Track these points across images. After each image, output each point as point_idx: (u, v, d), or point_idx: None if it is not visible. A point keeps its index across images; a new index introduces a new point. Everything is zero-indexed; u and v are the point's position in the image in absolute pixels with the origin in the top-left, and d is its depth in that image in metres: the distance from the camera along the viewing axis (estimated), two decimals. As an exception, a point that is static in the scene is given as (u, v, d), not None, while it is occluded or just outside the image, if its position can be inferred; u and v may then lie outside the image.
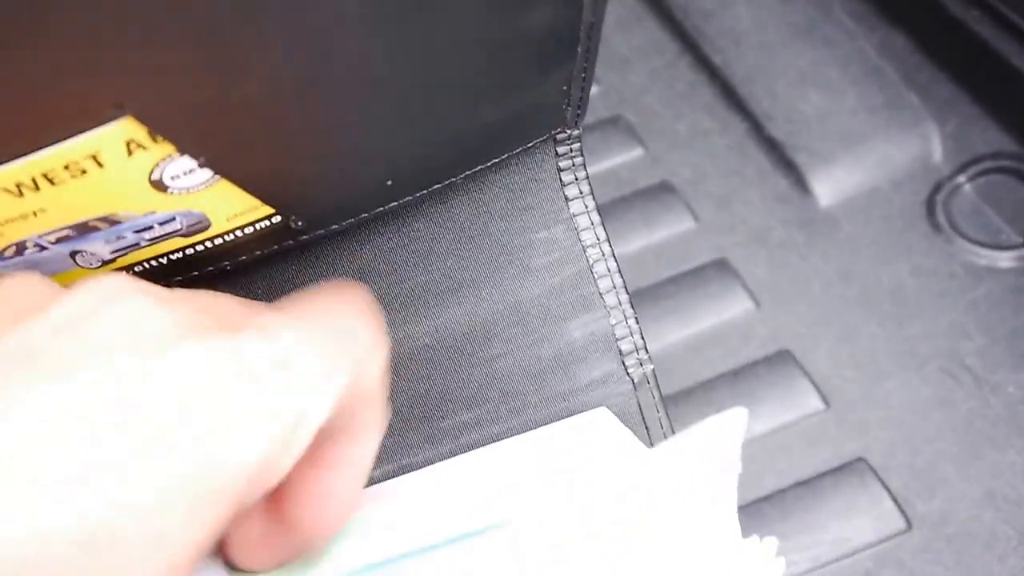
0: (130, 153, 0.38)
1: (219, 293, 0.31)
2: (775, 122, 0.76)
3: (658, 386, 0.46)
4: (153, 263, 0.45)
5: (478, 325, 0.47)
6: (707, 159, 0.76)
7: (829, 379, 0.64)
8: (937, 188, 0.72)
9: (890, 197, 0.72)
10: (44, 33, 0.30)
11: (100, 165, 0.37)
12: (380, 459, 0.43)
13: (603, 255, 0.46)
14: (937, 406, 0.62)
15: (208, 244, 0.46)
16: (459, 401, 0.46)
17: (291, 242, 0.44)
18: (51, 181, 0.37)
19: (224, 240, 0.46)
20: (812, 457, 0.61)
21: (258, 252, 0.45)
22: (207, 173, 0.42)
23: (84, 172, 0.38)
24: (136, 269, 0.44)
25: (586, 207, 0.47)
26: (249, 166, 0.43)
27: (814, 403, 0.63)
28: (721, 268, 0.69)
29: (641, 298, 0.68)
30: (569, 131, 0.47)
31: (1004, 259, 0.67)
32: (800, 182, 0.74)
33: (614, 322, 0.47)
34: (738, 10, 0.84)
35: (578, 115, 0.46)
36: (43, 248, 0.40)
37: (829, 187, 0.73)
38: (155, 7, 0.31)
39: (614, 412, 0.46)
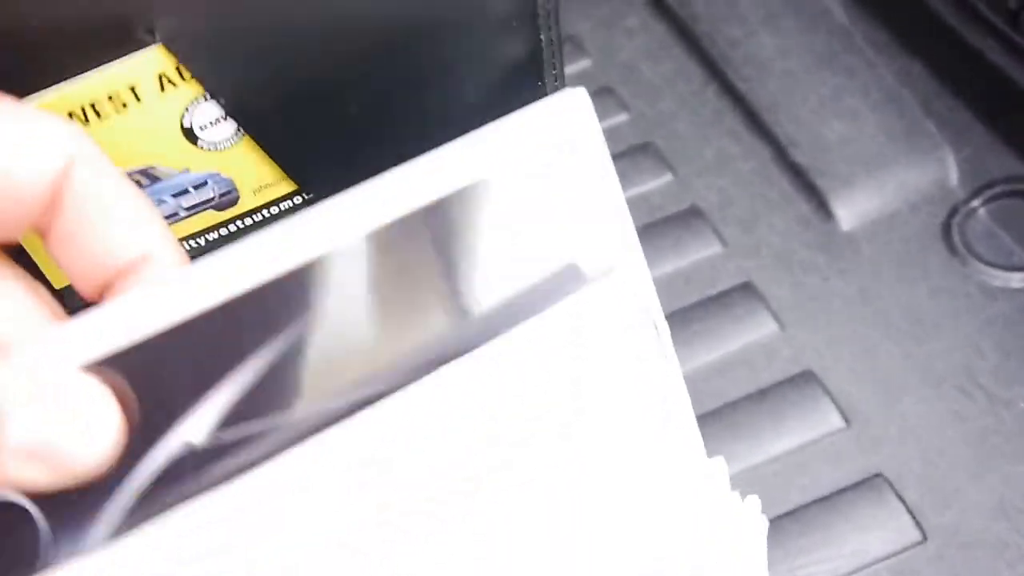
0: (163, 89, 0.42)
1: None
2: (799, 147, 0.79)
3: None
4: (192, 243, 0.48)
5: None
6: (733, 183, 0.78)
7: (849, 397, 0.66)
8: (953, 212, 0.74)
9: (908, 220, 0.74)
10: None
11: (138, 100, 0.41)
12: None
13: None
14: (952, 421, 0.64)
15: (239, 224, 0.49)
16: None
17: None
18: (97, 113, 0.41)
19: (253, 220, 0.49)
20: (832, 473, 0.63)
21: None
22: (230, 127, 0.45)
23: (125, 106, 0.41)
24: None
25: None
26: (265, 118, 0.45)
27: (835, 421, 0.65)
28: (746, 291, 0.72)
29: (671, 322, 0.70)
30: None
31: (1016, 280, 0.69)
32: (822, 206, 0.76)
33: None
34: (763, 39, 0.86)
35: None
36: None
37: (850, 211, 0.75)
38: None
39: None
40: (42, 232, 0.32)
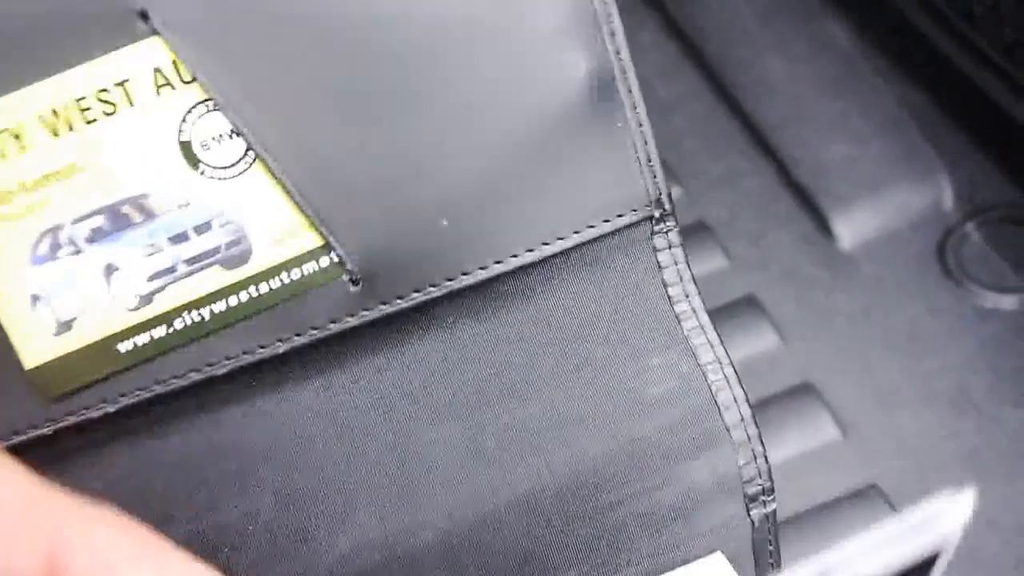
0: (158, 91, 0.34)
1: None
2: (801, 167, 0.77)
3: (775, 523, 0.40)
4: (194, 316, 0.38)
5: (587, 469, 0.39)
6: (740, 200, 0.77)
7: (847, 410, 0.64)
8: (948, 234, 0.72)
9: (906, 241, 0.73)
10: None
11: (131, 103, 0.34)
12: None
13: (727, 380, 0.40)
14: (946, 437, 0.63)
15: (252, 291, 0.38)
16: (565, 560, 0.39)
17: (351, 318, 0.37)
18: (85, 116, 0.34)
19: (270, 287, 0.38)
20: (828, 483, 0.62)
21: (314, 329, 0.37)
22: (240, 147, 0.36)
23: (115, 110, 0.34)
24: (176, 325, 0.37)
25: (699, 322, 0.40)
26: (284, 135, 0.36)
27: (832, 433, 0.63)
28: (751, 304, 0.70)
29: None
30: (659, 220, 0.41)
31: (1008, 302, 0.68)
32: (824, 224, 0.74)
33: (742, 462, 0.39)
34: (771, 62, 0.84)
35: (659, 192, 0.40)
36: (77, 250, 0.35)
37: (850, 230, 0.74)
38: None
39: (726, 553, 0.39)
40: None
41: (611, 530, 0.38)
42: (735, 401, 0.40)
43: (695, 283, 0.40)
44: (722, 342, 0.39)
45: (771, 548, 0.40)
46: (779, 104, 0.81)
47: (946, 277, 0.70)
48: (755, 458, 0.39)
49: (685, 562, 0.38)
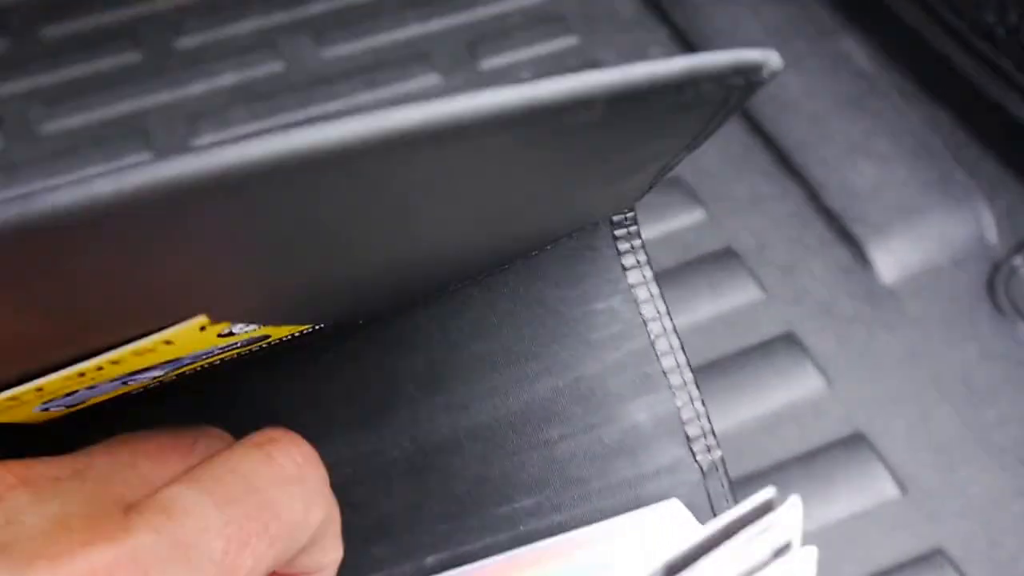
0: (202, 330, 0.34)
1: (129, 440, 0.28)
2: (829, 191, 0.71)
3: (727, 474, 0.41)
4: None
5: (537, 403, 0.42)
6: (769, 225, 0.71)
7: (904, 464, 0.58)
8: (996, 269, 0.67)
9: (951, 275, 0.67)
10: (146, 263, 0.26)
11: (170, 344, 0.32)
12: (435, 546, 0.40)
13: (664, 330, 0.41)
14: (1015, 496, 0.57)
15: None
16: (519, 486, 0.42)
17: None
18: (116, 363, 0.33)
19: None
20: (889, 546, 0.55)
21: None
22: None
23: (152, 351, 0.33)
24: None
25: (644, 277, 0.42)
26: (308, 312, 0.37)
27: (890, 489, 0.57)
28: (789, 342, 0.64)
29: (709, 372, 0.62)
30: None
31: (1068, 344, 0.62)
32: (860, 254, 0.68)
33: (680, 404, 0.41)
34: (787, 78, 0.78)
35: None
36: (93, 386, 0.35)
37: (890, 261, 0.68)
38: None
39: (682, 502, 0.41)
40: None
41: (560, 463, 0.41)
42: (671, 349, 0.41)
43: (646, 252, 0.41)
44: (663, 298, 0.40)
45: (728, 505, 0.41)
46: (799, 122, 0.76)
47: (999, 316, 0.64)
48: (692, 401, 0.40)
49: (638, 504, 0.41)
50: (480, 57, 0.83)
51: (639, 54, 0.84)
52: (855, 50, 0.80)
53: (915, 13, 0.78)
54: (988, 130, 0.73)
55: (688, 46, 0.83)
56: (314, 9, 0.87)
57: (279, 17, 0.86)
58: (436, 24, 0.86)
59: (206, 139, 0.79)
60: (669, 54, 0.84)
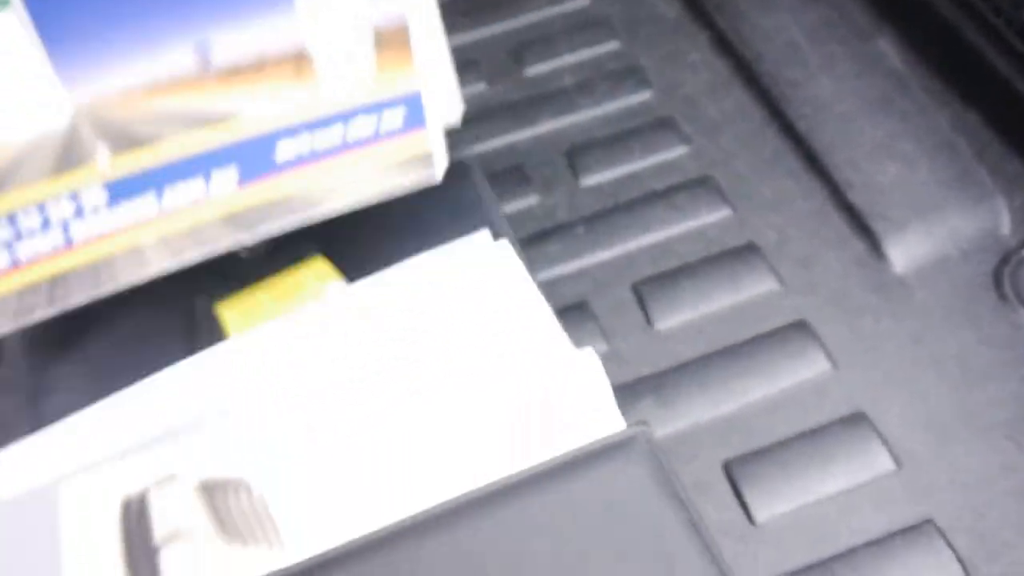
0: None
1: None
2: (854, 189, 0.75)
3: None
4: None
5: None
6: (791, 222, 0.75)
7: (901, 440, 0.63)
8: (1005, 260, 0.71)
9: (960, 267, 0.71)
10: None
11: None
12: None
13: None
14: (1002, 471, 0.61)
15: None
16: None
17: None
18: None
19: None
20: (883, 517, 0.60)
21: None
22: None
23: None
24: None
25: None
26: None
27: (886, 464, 0.62)
28: (800, 329, 0.68)
29: (722, 356, 0.67)
30: None
31: (1067, 331, 0.66)
32: (876, 248, 0.72)
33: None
34: (821, 81, 0.83)
35: None
36: None
37: (903, 254, 0.72)
38: None
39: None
40: None
41: None
42: None
43: None
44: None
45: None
46: (829, 124, 0.80)
47: (1002, 304, 0.68)
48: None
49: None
50: (525, 64, 0.89)
51: (680, 59, 0.89)
52: (888, 50, 0.84)
53: (952, 9, 0.82)
54: (1015, 130, 0.77)
55: (729, 50, 0.88)
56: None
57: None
58: (481, 32, 0.92)
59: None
60: (708, 60, 0.89)
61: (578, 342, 0.63)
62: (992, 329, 0.67)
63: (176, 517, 0.49)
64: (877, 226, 0.73)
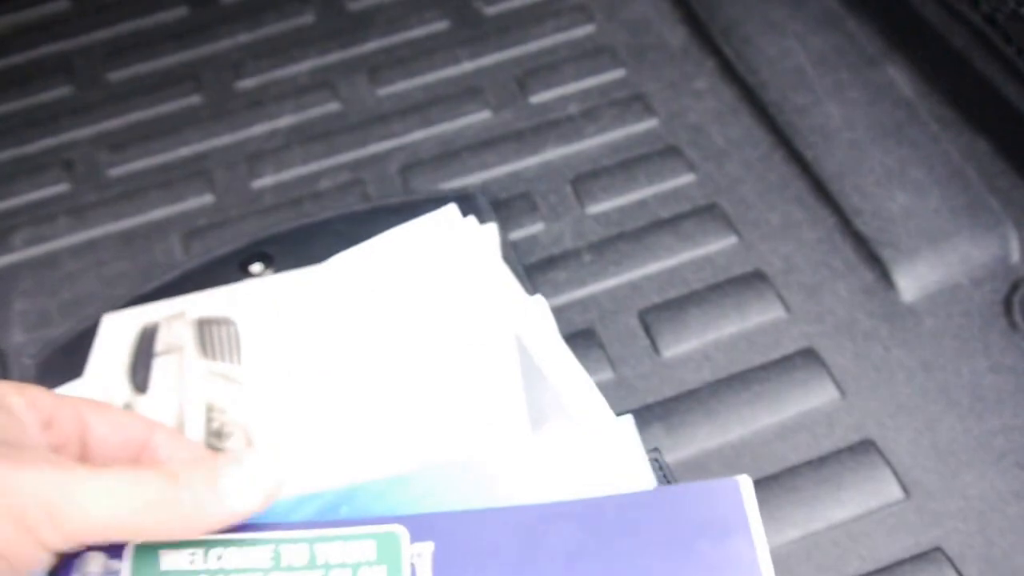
0: None
1: None
2: (863, 217, 0.75)
3: None
4: None
5: None
6: (798, 250, 0.75)
7: (910, 469, 0.62)
8: (1015, 288, 0.70)
9: (970, 295, 0.71)
10: None
11: None
12: None
13: None
14: (1012, 499, 0.60)
15: None
16: None
17: None
18: None
19: None
20: (891, 545, 0.59)
21: None
22: None
23: None
24: None
25: None
26: None
27: (895, 492, 0.61)
28: (808, 357, 0.68)
29: (730, 384, 0.67)
30: None
31: (1077, 360, 0.66)
32: (885, 276, 0.72)
33: None
34: (829, 108, 0.83)
35: None
36: None
37: (912, 282, 0.72)
38: None
39: None
40: None
41: None
42: None
43: None
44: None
45: None
46: (837, 151, 0.80)
47: (1012, 332, 0.68)
48: None
49: None
50: (530, 92, 0.89)
51: (685, 86, 0.89)
52: (898, 77, 0.84)
53: (963, 37, 0.81)
54: (1024, 157, 0.77)
55: (736, 77, 0.88)
56: (368, 48, 0.93)
57: (335, 57, 0.93)
58: (487, 60, 0.92)
59: (267, 180, 0.86)
60: (715, 87, 0.89)
61: (585, 370, 0.63)
62: (1002, 357, 0.67)
63: (173, 337, 0.68)
64: (886, 254, 0.73)
